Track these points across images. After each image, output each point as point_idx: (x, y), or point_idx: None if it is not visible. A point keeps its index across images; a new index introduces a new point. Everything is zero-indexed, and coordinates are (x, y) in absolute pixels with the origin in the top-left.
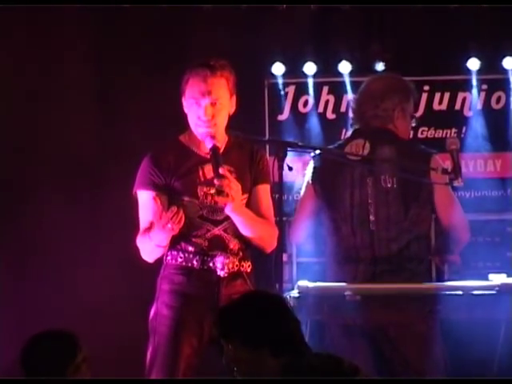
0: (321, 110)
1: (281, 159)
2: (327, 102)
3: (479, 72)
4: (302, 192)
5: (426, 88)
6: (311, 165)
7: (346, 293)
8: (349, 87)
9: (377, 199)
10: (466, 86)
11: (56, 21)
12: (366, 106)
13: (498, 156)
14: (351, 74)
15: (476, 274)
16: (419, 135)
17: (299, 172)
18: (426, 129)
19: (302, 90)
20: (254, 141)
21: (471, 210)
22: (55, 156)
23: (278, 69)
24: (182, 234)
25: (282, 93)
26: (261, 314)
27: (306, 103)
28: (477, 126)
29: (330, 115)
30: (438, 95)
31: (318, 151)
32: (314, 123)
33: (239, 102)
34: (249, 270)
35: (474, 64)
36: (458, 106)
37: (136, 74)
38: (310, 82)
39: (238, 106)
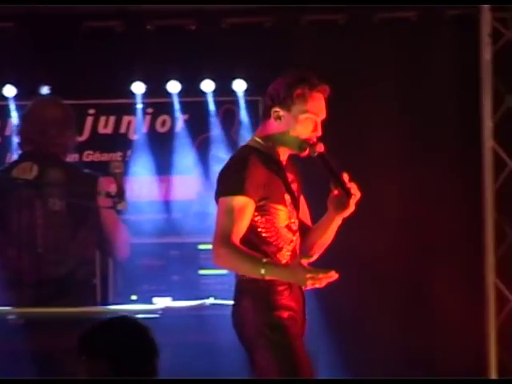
0: None
1: None
2: None
3: (144, 95)
4: None
5: (92, 111)
6: None
7: (9, 317)
8: (13, 110)
9: (45, 222)
10: (131, 109)
11: None
12: (38, 131)
13: (163, 179)
14: (15, 97)
15: (141, 297)
16: (84, 158)
17: None
18: (92, 152)
19: None
20: None
21: (136, 233)
22: None
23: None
24: (274, 246)
25: None
26: (112, 331)
27: None
28: (142, 150)
29: None
30: (103, 119)
31: None
32: None
33: None
34: None
35: (138, 87)
36: (123, 130)
37: None
38: None
39: None
